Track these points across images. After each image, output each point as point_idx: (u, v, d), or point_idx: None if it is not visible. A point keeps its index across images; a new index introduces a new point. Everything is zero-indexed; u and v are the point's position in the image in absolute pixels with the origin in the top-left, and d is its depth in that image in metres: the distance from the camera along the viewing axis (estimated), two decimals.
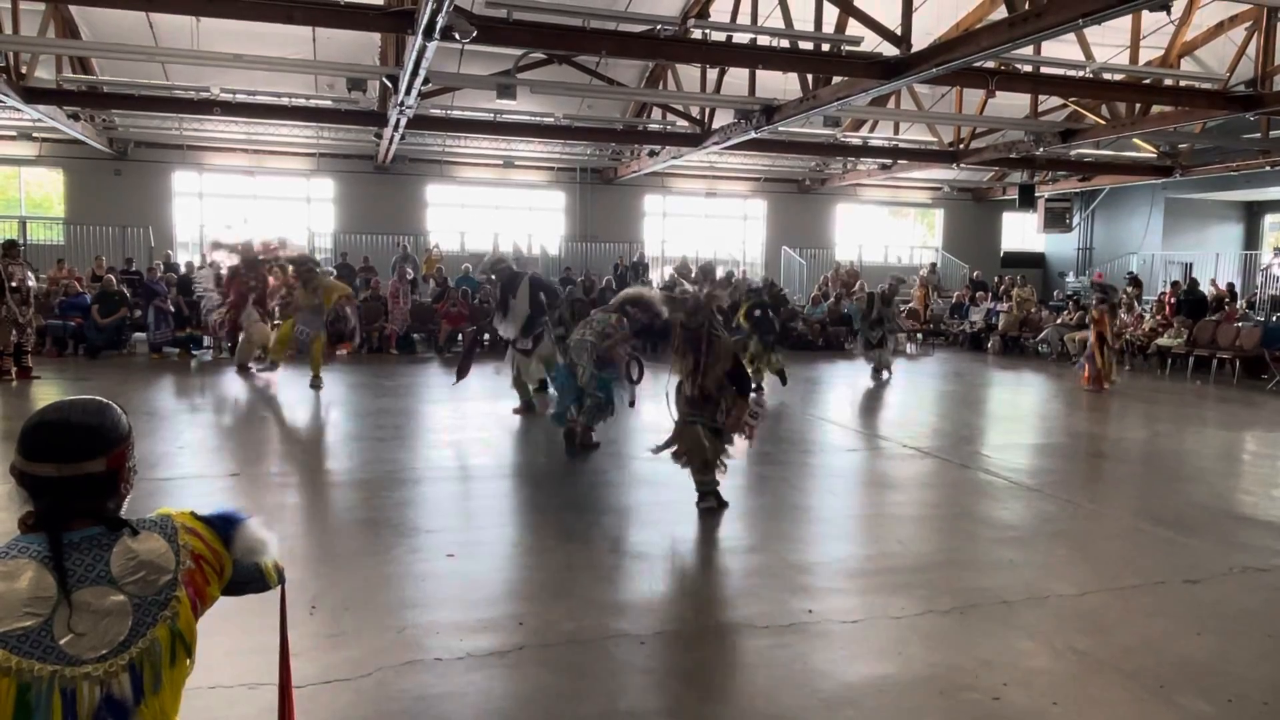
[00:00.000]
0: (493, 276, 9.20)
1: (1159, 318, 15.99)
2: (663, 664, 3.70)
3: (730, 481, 7.03)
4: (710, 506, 5.96)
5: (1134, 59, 11.83)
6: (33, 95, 12.40)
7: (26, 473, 1.54)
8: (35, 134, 16.73)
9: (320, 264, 11.42)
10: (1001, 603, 4.43)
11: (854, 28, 9.91)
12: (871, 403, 11.62)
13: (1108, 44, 12.26)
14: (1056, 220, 21.59)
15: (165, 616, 1.54)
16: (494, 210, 20.69)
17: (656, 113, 16.28)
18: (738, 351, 6.34)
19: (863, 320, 13.63)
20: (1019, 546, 5.44)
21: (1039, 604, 4.45)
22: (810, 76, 11.31)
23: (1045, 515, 6.15)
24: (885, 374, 13.21)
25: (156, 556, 1.56)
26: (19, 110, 12.99)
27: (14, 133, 16.70)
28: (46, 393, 10.19)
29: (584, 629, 4.02)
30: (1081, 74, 11.65)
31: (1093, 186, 20.95)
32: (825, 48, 10.29)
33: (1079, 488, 7.01)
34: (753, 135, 13.40)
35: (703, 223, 22.32)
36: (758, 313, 11.44)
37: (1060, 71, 11.79)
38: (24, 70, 12.18)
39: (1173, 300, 16.31)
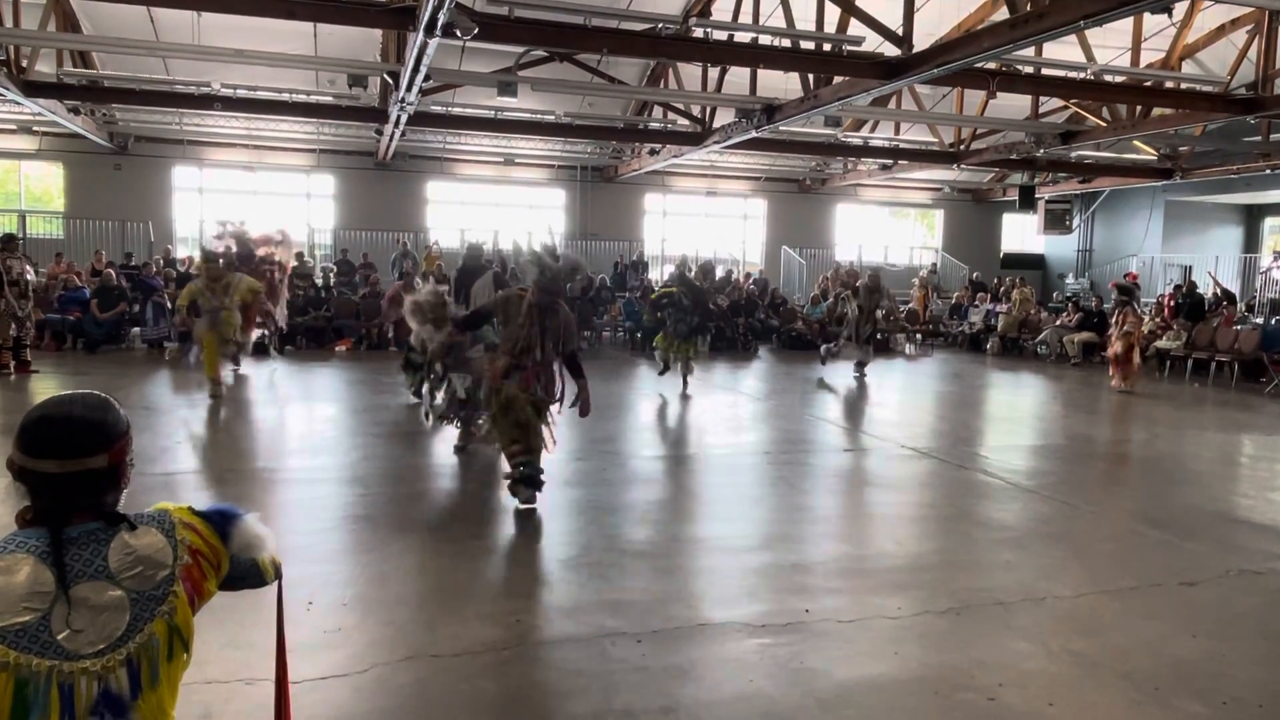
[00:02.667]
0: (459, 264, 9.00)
1: (1158, 320, 15.99)
2: (658, 662, 3.70)
3: (726, 480, 7.06)
4: (532, 503, 5.75)
5: (1135, 61, 11.84)
6: (33, 89, 12.39)
7: (27, 468, 1.53)
8: (35, 128, 16.73)
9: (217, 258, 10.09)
10: (998, 604, 4.44)
11: (855, 28, 9.91)
12: (870, 403, 11.62)
13: (1109, 46, 12.27)
14: (1056, 222, 21.60)
15: (163, 611, 1.55)
16: (494, 208, 20.68)
17: (657, 111, 16.28)
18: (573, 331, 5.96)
19: (859, 317, 13.36)
20: (1016, 548, 5.45)
21: (1035, 605, 4.46)
22: (811, 76, 11.31)
23: (1042, 517, 6.16)
24: (865, 369, 13.17)
25: (154, 551, 1.57)
26: (19, 104, 12.97)
27: (14, 126, 16.72)
28: (45, 387, 10.19)
29: (579, 627, 4.02)
30: (1082, 76, 11.65)
31: (1093, 188, 20.96)
32: (827, 47, 10.29)
33: (1076, 489, 7.01)
34: (753, 134, 13.40)
35: (703, 222, 22.32)
36: (664, 300, 11.48)
37: (1061, 73, 11.79)
38: (24, 64, 12.16)
39: (1173, 303, 16.31)
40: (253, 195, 19.25)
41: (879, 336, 13.82)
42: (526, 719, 3.29)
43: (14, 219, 17.69)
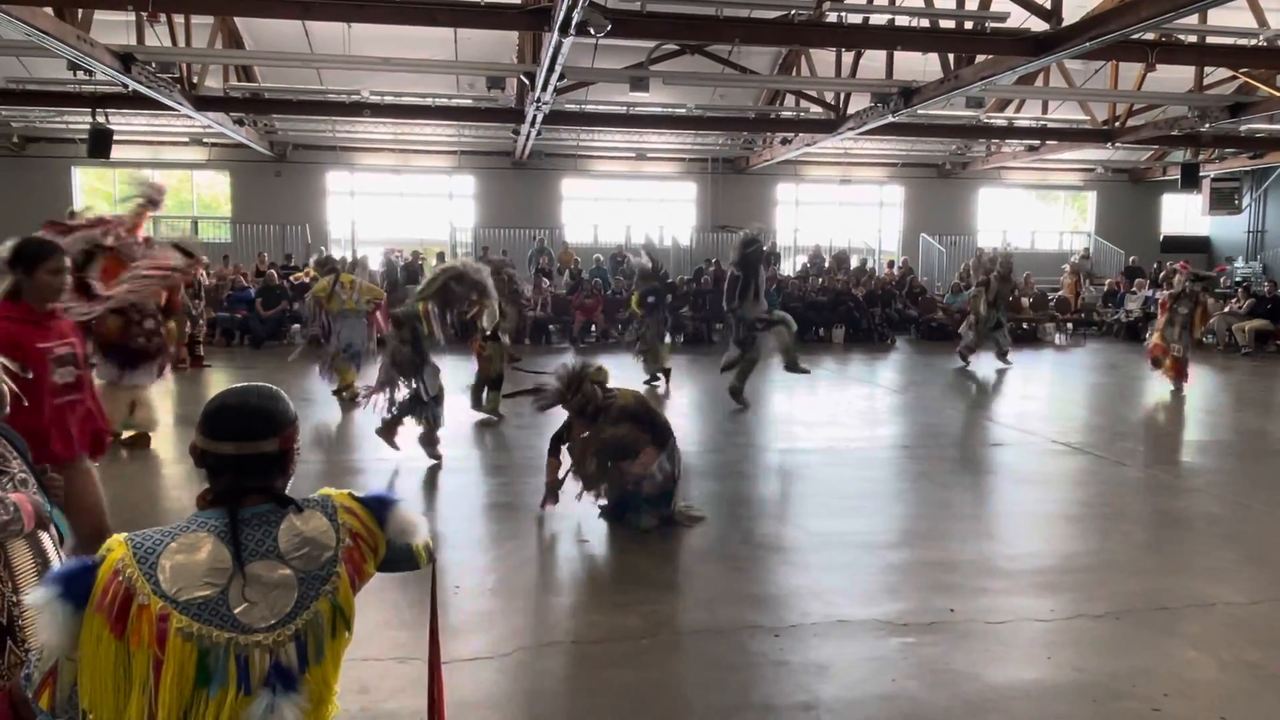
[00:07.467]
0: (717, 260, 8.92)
1: None
2: (797, 657, 3.66)
3: (863, 475, 6.90)
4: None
5: None
6: (203, 103, 13.34)
7: (208, 451, 1.66)
8: (205, 139, 18.04)
9: (339, 263, 9.67)
10: (1161, 609, 4.17)
11: (999, 3, 9.48)
12: (1017, 395, 11.12)
13: None
14: (1224, 201, 20.03)
15: (327, 591, 1.64)
16: (626, 203, 20.90)
17: (789, 99, 16.04)
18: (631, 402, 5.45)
19: (986, 305, 12.77)
20: (1181, 549, 5.11)
21: (1204, 611, 4.16)
22: (952, 56, 10.88)
23: (1211, 517, 5.75)
24: (1007, 359, 12.70)
25: (319, 534, 1.67)
26: (191, 118, 13.99)
27: (186, 139, 18.07)
28: (216, 380, 10.98)
29: (717, 619, 4.02)
30: (1253, 43, 10.76)
31: (1265, 164, 19.32)
32: (968, 25, 9.89)
33: (1250, 489, 6.50)
34: (890, 119, 13.00)
35: (836, 210, 21.86)
36: (651, 298, 10.73)
37: (1229, 41, 10.92)
38: (195, 80, 13.11)
39: None
40: (400, 197, 20.15)
41: (1024, 326, 13.17)
42: (666, 709, 3.31)
43: (187, 224, 19.14)
